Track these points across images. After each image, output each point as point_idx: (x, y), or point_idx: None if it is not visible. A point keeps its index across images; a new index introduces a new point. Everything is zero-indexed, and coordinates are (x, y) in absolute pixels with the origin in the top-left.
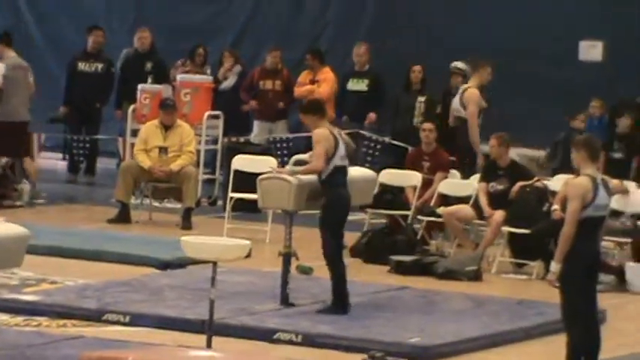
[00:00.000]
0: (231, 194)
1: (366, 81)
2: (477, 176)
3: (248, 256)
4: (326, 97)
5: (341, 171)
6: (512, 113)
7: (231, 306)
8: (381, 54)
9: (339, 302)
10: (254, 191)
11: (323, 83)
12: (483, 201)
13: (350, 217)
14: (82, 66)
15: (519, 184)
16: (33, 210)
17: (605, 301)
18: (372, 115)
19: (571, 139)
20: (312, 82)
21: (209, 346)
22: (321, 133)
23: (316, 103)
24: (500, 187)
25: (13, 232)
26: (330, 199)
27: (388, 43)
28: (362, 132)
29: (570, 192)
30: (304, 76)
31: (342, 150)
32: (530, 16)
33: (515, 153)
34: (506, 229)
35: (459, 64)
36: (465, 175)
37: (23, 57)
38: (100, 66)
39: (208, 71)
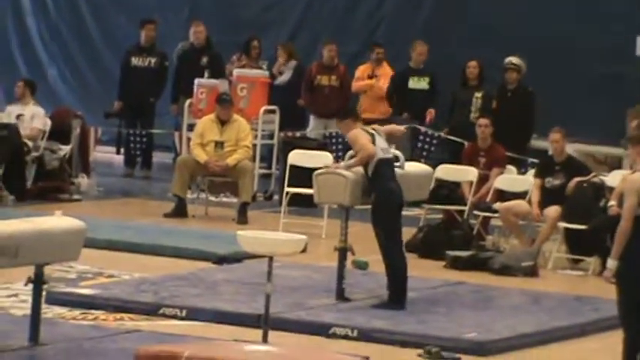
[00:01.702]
0: (287, 189)
1: (427, 79)
2: (533, 172)
3: (304, 250)
4: (385, 92)
5: (385, 163)
6: (568, 109)
7: (287, 300)
8: (437, 49)
9: (396, 297)
10: (310, 186)
11: (382, 78)
12: (535, 199)
13: (406, 213)
14: (135, 60)
15: (576, 179)
16: (90, 203)
17: None
18: (431, 112)
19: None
20: (370, 76)
21: (265, 340)
22: (355, 132)
23: (349, 108)
24: (556, 182)
25: (70, 225)
26: (379, 194)
27: (444, 38)
28: (418, 127)
29: (627, 188)
30: (362, 71)
31: (381, 143)
32: (588, 11)
33: (572, 149)
34: (562, 224)
35: (514, 60)
36: None
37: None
38: (153, 60)
39: (264, 66)
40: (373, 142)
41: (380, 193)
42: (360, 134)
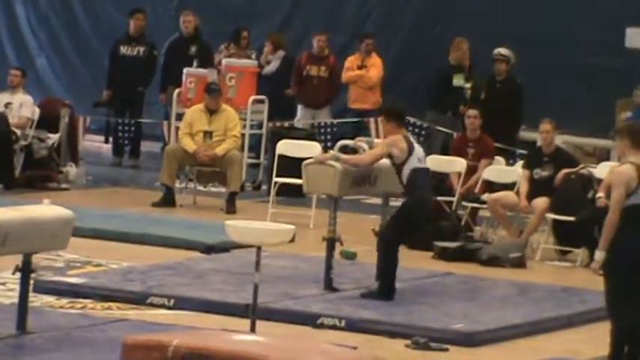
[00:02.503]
0: (275, 179)
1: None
2: (521, 163)
3: (292, 240)
4: (375, 82)
5: (420, 172)
6: (557, 101)
7: (274, 290)
8: (428, 40)
9: (385, 288)
10: (298, 176)
11: (372, 68)
12: (523, 190)
13: (394, 203)
14: (124, 50)
15: (564, 171)
16: (78, 192)
17: None
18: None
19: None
20: (360, 67)
21: (253, 330)
22: (394, 138)
23: (398, 111)
24: (544, 173)
25: (58, 214)
26: (411, 201)
27: (437, 29)
28: (407, 117)
29: (614, 179)
30: (352, 61)
31: (418, 152)
32: (577, 3)
33: (561, 140)
34: (550, 216)
35: (503, 51)
36: None
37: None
38: (142, 50)
39: (253, 56)
40: (411, 150)
41: (412, 200)
42: (393, 145)
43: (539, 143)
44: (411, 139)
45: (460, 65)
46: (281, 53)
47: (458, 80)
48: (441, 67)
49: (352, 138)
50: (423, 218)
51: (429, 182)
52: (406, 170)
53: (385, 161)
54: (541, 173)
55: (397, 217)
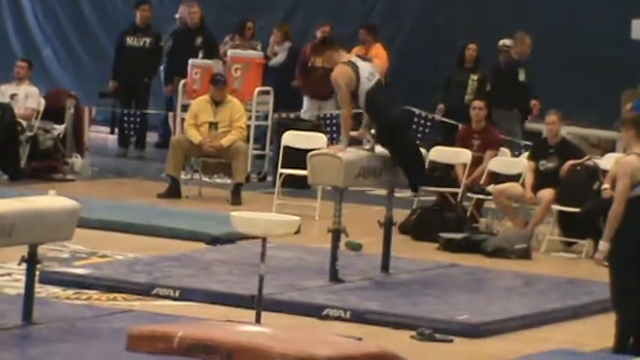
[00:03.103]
0: (280, 170)
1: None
2: (526, 154)
3: (297, 232)
4: (380, 73)
5: (373, 93)
6: (563, 92)
7: (280, 282)
8: (432, 30)
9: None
10: (304, 167)
11: (376, 59)
12: (528, 181)
13: (399, 195)
14: (130, 41)
15: (569, 162)
16: (84, 183)
17: None
18: (536, 104)
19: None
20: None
21: (258, 321)
22: (338, 70)
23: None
24: (550, 164)
25: (63, 205)
26: (381, 125)
27: (439, 19)
28: (412, 109)
29: (619, 171)
30: (355, 52)
31: (364, 71)
32: None
33: (566, 131)
34: (555, 207)
35: (507, 42)
36: None
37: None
38: (147, 40)
39: (259, 47)
40: (357, 74)
41: (382, 123)
42: (342, 73)
43: (544, 134)
44: (354, 59)
45: (523, 60)
46: (287, 44)
47: (522, 75)
48: (504, 62)
49: (356, 129)
50: (400, 124)
51: (388, 96)
52: (361, 97)
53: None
54: (546, 165)
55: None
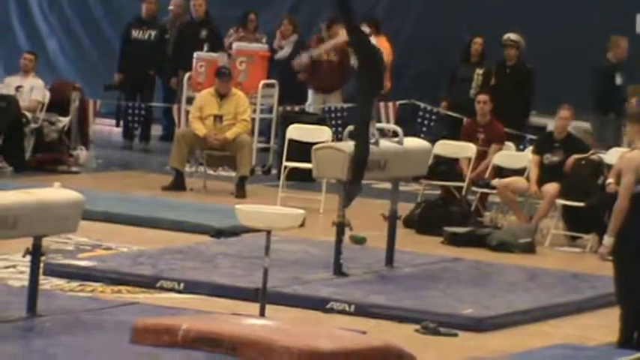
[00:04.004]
0: (285, 163)
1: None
2: (531, 148)
3: (302, 225)
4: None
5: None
6: (567, 86)
7: (284, 275)
8: (437, 24)
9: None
10: (308, 160)
11: None
12: (533, 175)
13: (404, 188)
14: (135, 33)
15: (574, 156)
16: (88, 176)
17: None
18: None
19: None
20: None
21: (262, 314)
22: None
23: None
24: (555, 158)
25: (68, 197)
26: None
27: (445, 13)
28: (417, 103)
29: (624, 166)
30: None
31: None
32: None
33: (571, 126)
34: (560, 201)
35: (512, 36)
36: None
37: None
38: (153, 33)
39: (264, 40)
40: None
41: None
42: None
43: (549, 128)
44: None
45: (620, 63)
46: (294, 37)
47: (618, 79)
48: (601, 65)
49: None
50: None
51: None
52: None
53: (395, 146)
54: (551, 158)
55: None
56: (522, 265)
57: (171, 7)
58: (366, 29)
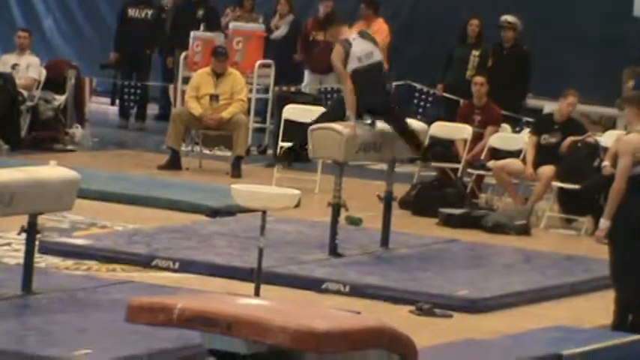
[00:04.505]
0: (281, 143)
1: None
2: (527, 131)
3: (297, 205)
4: (380, 48)
5: (361, 74)
6: (564, 68)
7: (279, 255)
8: (435, 5)
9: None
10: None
11: (377, 34)
12: (529, 157)
13: (399, 170)
14: (132, 12)
15: (570, 138)
16: (84, 154)
17: None
18: None
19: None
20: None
21: (257, 294)
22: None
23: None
24: (552, 139)
25: (64, 175)
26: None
27: None
28: (413, 84)
29: (621, 148)
30: (357, 28)
31: (357, 50)
32: None
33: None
34: (555, 184)
35: (509, 18)
36: None
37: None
38: (150, 12)
39: (260, 20)
40: (347, 52)
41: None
42: (337, 52)
43: (545, 111)
44: (353, 36)
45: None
46: (290, 18)
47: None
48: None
49: None
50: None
51: (376, 80)
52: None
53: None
54: (549, 139)
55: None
56: (517, 247)
57: None
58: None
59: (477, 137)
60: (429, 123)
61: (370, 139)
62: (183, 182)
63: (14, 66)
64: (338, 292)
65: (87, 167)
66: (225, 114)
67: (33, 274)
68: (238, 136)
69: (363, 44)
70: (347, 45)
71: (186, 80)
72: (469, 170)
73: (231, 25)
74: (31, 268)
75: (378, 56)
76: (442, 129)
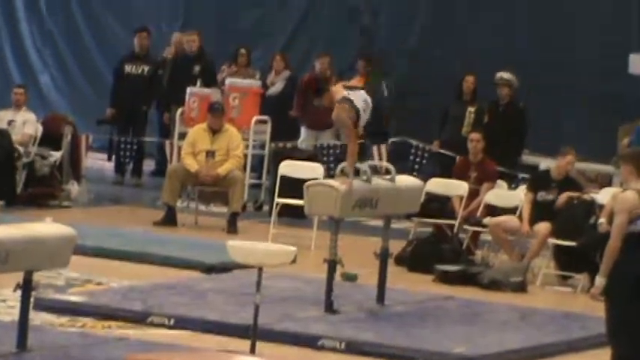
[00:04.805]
0: (277, 199)
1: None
2: (523, 187)
3: (293, 261)
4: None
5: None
6: (560, 125)
7: (275, 311)
8: (430, 62)
9: None
10: (300, 197)
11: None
12: (525, 214)
13: (396, 225)
14: (128, 68)
15: (567, 194)
16: (80, 210)
17: None
18: None
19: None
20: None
21: (253, 351)
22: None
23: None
24: (549, 197)
25: (60, 232)
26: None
27: (438, 51)
28: (409, 140)
29: (617, 206)
30: (354, 83)
31: (358, 101)
32: (581, 28)
33: None
34: (552, 241)
35: (505, 75)
36: None
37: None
38: (146, 68)
39: (257, 76)
40: (357, 110)
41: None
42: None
43: (541, 167)
44: (347, 93)
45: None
46: (286, 74)
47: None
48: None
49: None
50: None
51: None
52: (360, 128)
53: (387, 184)
54: (545, 197)
55: None
56: (513, 304)
57: (173, 40)
58: None
59: (473, 194)
60: (426, 179)
61: (366, 196)
62: (179, 238)
63: (10, 122)
64: (334, 350)
65: (83, 223)
66: (222, 170)
67: (28, 331)
68: (234, 192)
69: (357, 95)
70: (351, 102)
71: (182, 136)
72: (465, 227)
73: (228, 81)
74: (26, 325)
75: (369, 101)
76: (438, 185)
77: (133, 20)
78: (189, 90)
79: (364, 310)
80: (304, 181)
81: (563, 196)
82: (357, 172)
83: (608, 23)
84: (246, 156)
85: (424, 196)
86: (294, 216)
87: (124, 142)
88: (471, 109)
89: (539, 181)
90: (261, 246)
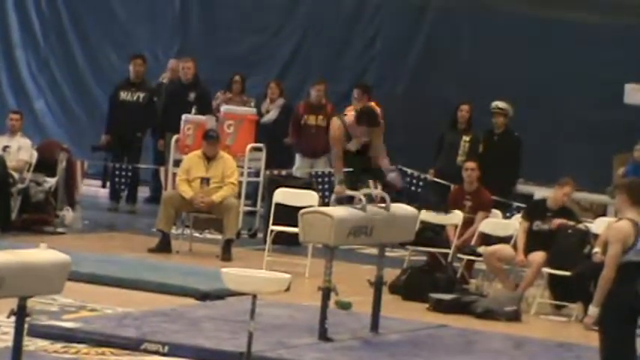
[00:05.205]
0: (271, 227)
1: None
2: (518, 216)
3: (287, 289)
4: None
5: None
6: (555, 155)
7: (269, 339)
8: (426, 91)
9: None
10: (295, 224)
11: None
12: (520, 243)
13: (390, 254)
14: (124, 95)
15: (561, 220)
16: (74, 237)
17: None
18: None
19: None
20: None
21: None
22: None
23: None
24: (545, 227)
25: (54, 258)
26: None
27: (433, 80)
28: (404, 169)
29: (611, 235)
30: (349, 111)
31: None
32: (577, 57)
33: None
34: (546, 270)
35: (500, 104)
36: None
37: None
38: (141, 95)
39: (252, 103)
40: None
41: None
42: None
43: (536, 196)
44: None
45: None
46: (281, 101)
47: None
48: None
49: (350, 188)
50: None
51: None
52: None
53: (382, 212)
54: (541, 226)
55: None
56: (508, 334)
57: (169, 67)
58: None
59: (468, 222)
60: (420, 208)
61: (361, 223)
62: (174, 265)
63: (5, 148)
64: None
65: (77, 250)
66: (216, 197)
67: (22, 357)
68: (229, 220)
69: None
70: (343, 119)
71: (177, 163)
72: (459, 255)
73: (223, 108)
74: (20, 352)
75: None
76: (433, 214)
77: (128, 47)
78: (184, 117)
79: (358, 338)
80: (299, 208)
81: (556, 222)
82: (351, 200)
83: (604, 53)
84: (240, 183)
85: (419, 224)
86: (288, 243)
87: (119, 169)
88: (466, 137)
89: (535, 210)
90: (255, 273)
